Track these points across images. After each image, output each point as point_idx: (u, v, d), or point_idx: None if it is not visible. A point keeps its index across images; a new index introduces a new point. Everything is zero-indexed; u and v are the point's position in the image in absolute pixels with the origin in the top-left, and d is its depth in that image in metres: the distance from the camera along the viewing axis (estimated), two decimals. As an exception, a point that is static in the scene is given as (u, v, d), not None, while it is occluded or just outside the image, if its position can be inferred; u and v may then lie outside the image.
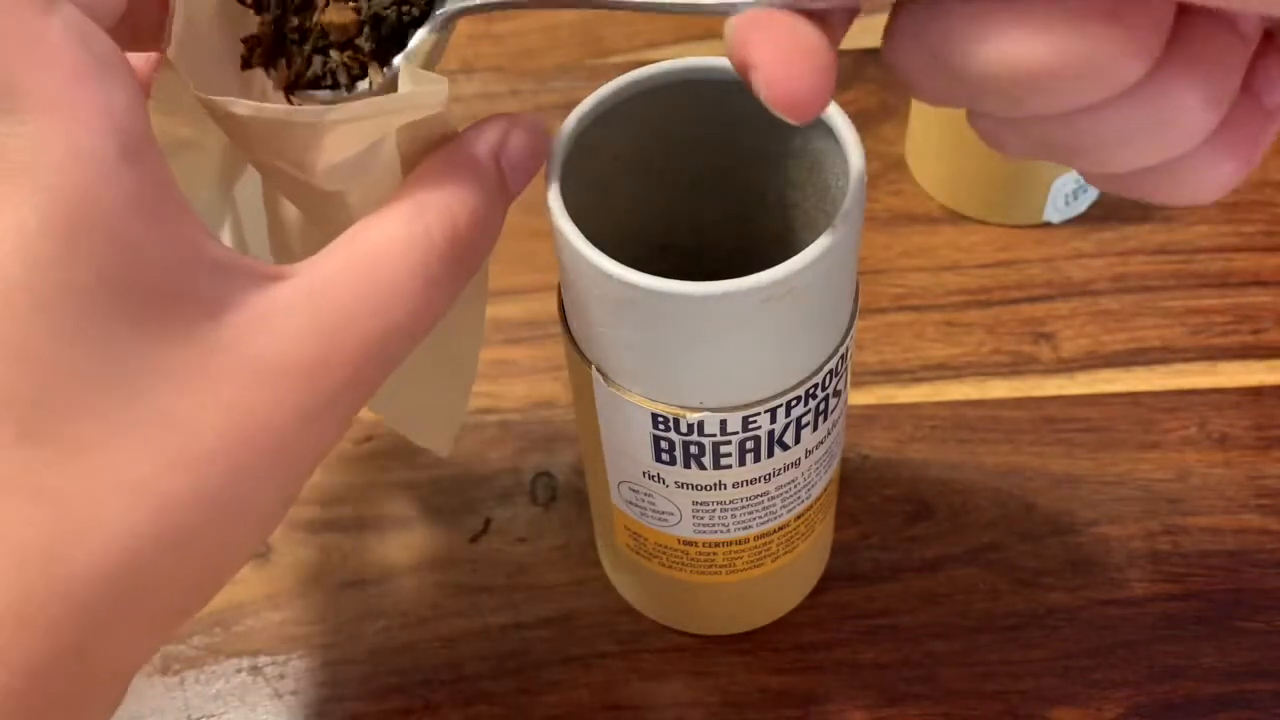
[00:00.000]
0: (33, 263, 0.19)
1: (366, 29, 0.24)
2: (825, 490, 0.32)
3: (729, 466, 0.29)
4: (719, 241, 0.32)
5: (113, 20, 0.23)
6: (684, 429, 0.28)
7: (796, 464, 0.30)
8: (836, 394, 0.29)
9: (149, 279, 0.20)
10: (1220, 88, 0.19)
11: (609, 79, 0.27)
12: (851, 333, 0.28)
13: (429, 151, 0.25)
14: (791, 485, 0.30)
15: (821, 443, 0.30)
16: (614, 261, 0.25)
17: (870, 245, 0.44)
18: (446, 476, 0.40)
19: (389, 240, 0.23)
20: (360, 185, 0.25)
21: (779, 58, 0.20)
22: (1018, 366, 0.42)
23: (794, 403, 0.28)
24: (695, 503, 0.30)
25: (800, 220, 0.30)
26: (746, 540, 0.32)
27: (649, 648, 0.37)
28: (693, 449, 0.28)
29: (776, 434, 0.28)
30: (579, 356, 0.28)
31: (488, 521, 0.39)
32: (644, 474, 0.30)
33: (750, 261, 0.26)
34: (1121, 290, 0.43)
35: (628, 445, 0.29)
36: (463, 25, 0.55)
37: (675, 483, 0.29)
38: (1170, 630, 0.36)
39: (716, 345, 0.26)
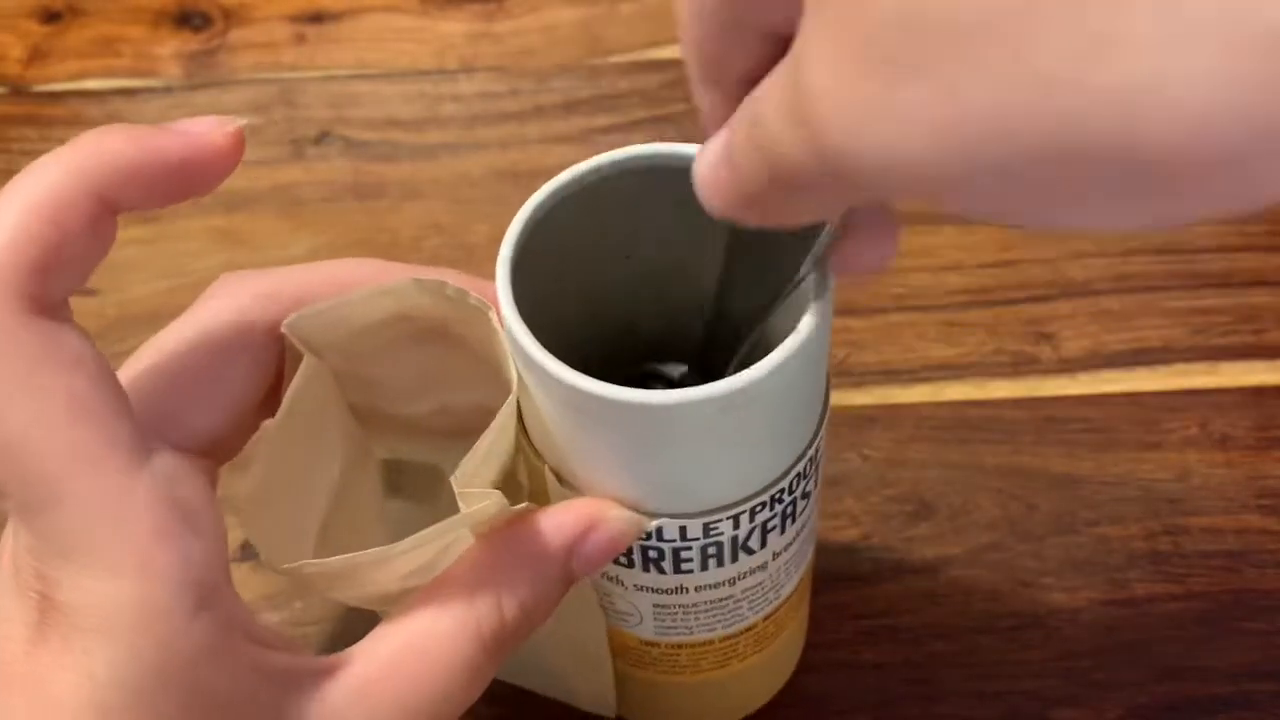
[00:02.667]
0: (102, 714, 0.21)
1: None
2: (796, 589, 0.31)
3: (690, 571, 0.27)
4: (690, 323, 0.29)
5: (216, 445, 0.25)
6: (641, 534, 0.26)
7: (764, 567, 0.28)
8: (805, 496, 0.27)
9: (217, 713, 0.22)
10: None
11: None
12: (821, 434, 0.27)
13: (502, 527, 0.26)
14: (759, 588, 0.29)
15: (790, 545, 0.28)
16: (565, 366, 0.23)
17: (871, 245, 0.44)
18: (446, 476, 0.40)
19: (438, 636, 0.24)
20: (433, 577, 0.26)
21: None
22: (1019, 366, 0.42)
23: (759, 508, 0.26)
24: (656, 605, 0.28)
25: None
26: (712, 642, 0.30)
27: (649, 648, 0.36)
28: (651, 553, 0.27)
29: (740, 539, 0.27)
30: (534, 454, 0.27)
31: (487, 521, 0.39)
32: (602, 575, 0.28)
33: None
34: (1123, 290, 0.43)
35: None
36: (462, 25, 0.55)
37: (634, 585, 0.28)
38: (1171, 631, 0.36)
39: (673, 453, 0.24)
